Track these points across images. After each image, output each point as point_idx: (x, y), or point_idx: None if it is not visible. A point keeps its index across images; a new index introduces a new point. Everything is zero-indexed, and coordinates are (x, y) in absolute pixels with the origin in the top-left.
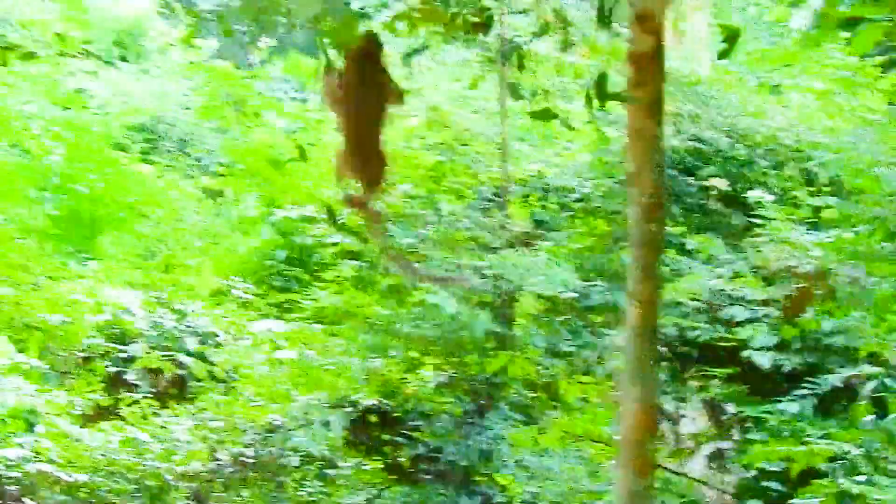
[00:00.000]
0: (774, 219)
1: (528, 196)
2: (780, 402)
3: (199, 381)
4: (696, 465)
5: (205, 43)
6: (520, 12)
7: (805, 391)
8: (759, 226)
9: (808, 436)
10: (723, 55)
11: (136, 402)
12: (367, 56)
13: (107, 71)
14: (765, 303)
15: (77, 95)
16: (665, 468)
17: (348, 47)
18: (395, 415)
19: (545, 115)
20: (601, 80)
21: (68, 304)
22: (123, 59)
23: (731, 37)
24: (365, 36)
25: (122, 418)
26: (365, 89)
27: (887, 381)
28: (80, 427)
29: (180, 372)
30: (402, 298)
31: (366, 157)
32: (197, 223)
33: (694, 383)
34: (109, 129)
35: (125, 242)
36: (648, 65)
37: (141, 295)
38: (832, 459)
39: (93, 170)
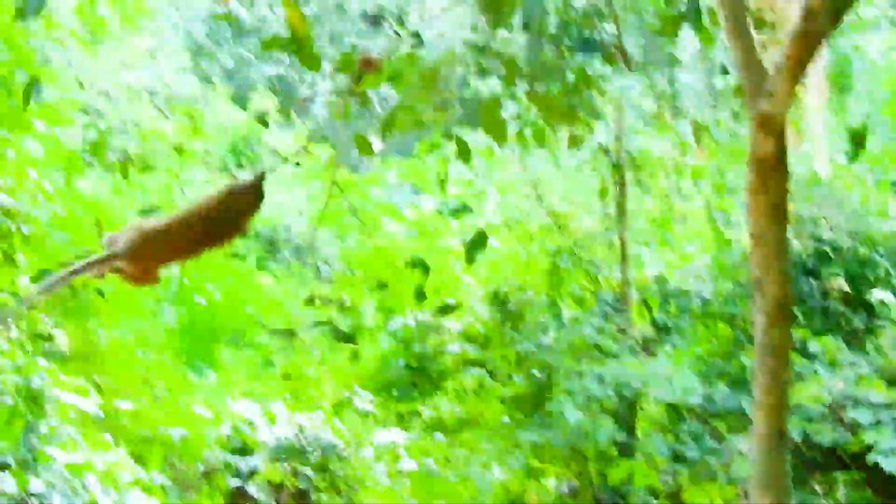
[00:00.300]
0: None
1: (648, 300)
2: None
3: (321, 493)
4: None
5: (319, 148)
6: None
7: None
8: (882, 327)
9: None
10: (853, 157)
11: None
12: (244, 196)
13: (222, 179)
14: (890, 406)
15: None
16: None
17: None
18: None
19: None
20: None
21: (188, 416)
22: (239, 166)
23: (858, 137)
24: (254, 181)
25: None
26: (220, 222)
27: None
28: None
29: (302, 484)
30: (523, 406)
31: (172, 254)
32: (315, 332)
33: (819, 489)
34: None
35: (244, 352)
36: (771, 169)
37: (261, 406)
38: None
39: (210, 279)
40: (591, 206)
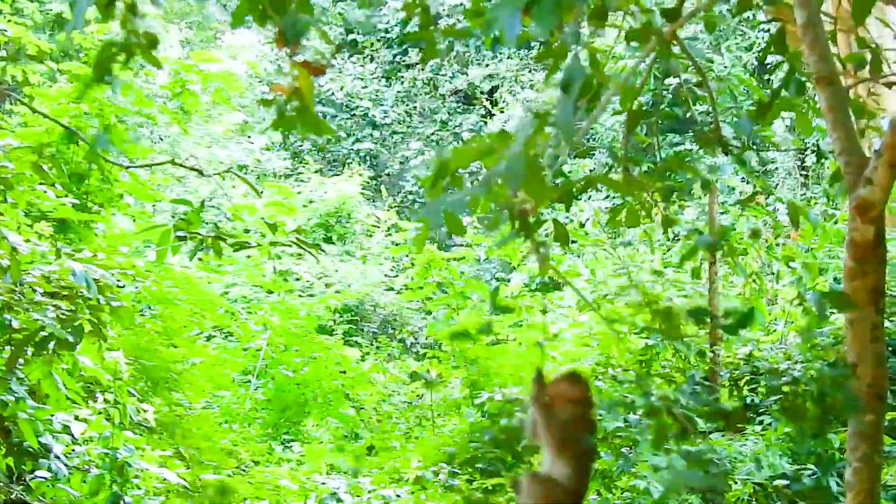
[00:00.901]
0: None
1: (737, 379)
2: None
3: None
4: None
5: (408, 224)
6: (732, 200)
7: None
8: None
9: None
10: None
11: None
12: (587, 406)
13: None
14: None
15: (282, 279)
16: None
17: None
18: None
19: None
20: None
21: (273, 488)
22: (328, 240)
23: None
24: (585, 388)
25: None
26: (588, 436)
27: None
28: None
29: None
30: (609, 483)
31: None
32: (401, 405)
33: None
34: (314, 311)
35: (329, 425)
36: (868, 255)
37: (346, 479)
38: None
39: (297, 353)
40: (682, 284)
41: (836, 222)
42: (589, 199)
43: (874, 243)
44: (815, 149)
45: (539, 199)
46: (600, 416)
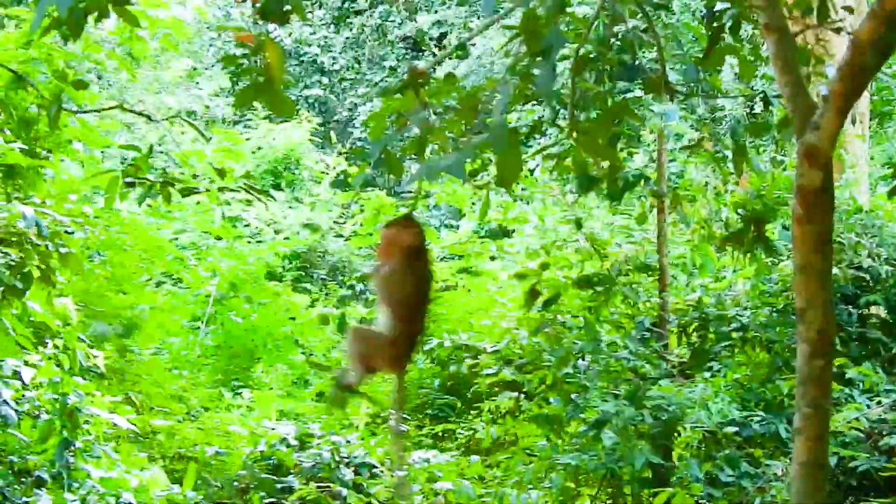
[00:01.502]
0: None
1: (686, 326)
2: None
3: None
4: None
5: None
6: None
7: None
8: None
9: None
10: (893, 193)
11: None
12: (416, 253)
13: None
14: None
15: (231, 226)
16: None
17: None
18: None
19: None
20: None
21: (223, 434)
22: (277, 187)
23: None
24: (416, 233)
25: None
26: (413, 283)
27: None
28: None
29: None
30: (559, 429)
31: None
32: None
33: None
34: (263, 258)
35: (279, 371)
36: (816, 200)
37: (296, 425)
38: None
39: (247, 299)
40: (630, 231)
41: (784, 169)
42: (538, 145)
43: (821, 189)
44: (763, 95)
45: (514, 173)
46: (549, 361)
